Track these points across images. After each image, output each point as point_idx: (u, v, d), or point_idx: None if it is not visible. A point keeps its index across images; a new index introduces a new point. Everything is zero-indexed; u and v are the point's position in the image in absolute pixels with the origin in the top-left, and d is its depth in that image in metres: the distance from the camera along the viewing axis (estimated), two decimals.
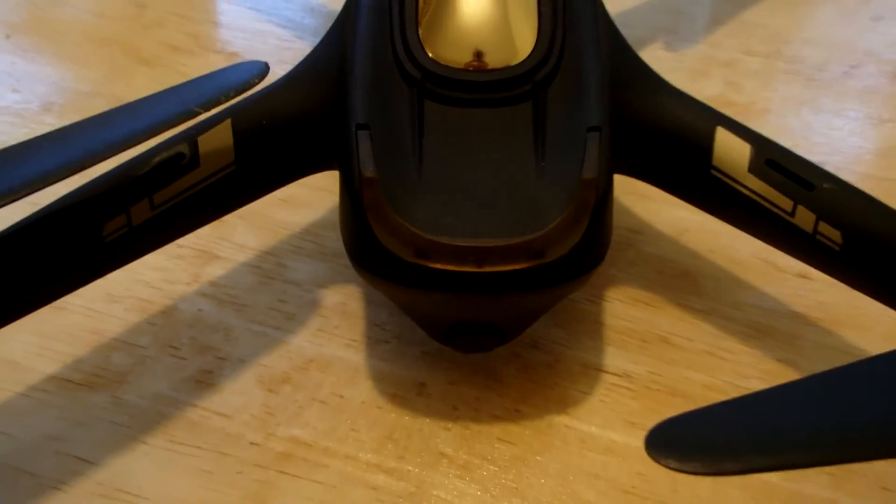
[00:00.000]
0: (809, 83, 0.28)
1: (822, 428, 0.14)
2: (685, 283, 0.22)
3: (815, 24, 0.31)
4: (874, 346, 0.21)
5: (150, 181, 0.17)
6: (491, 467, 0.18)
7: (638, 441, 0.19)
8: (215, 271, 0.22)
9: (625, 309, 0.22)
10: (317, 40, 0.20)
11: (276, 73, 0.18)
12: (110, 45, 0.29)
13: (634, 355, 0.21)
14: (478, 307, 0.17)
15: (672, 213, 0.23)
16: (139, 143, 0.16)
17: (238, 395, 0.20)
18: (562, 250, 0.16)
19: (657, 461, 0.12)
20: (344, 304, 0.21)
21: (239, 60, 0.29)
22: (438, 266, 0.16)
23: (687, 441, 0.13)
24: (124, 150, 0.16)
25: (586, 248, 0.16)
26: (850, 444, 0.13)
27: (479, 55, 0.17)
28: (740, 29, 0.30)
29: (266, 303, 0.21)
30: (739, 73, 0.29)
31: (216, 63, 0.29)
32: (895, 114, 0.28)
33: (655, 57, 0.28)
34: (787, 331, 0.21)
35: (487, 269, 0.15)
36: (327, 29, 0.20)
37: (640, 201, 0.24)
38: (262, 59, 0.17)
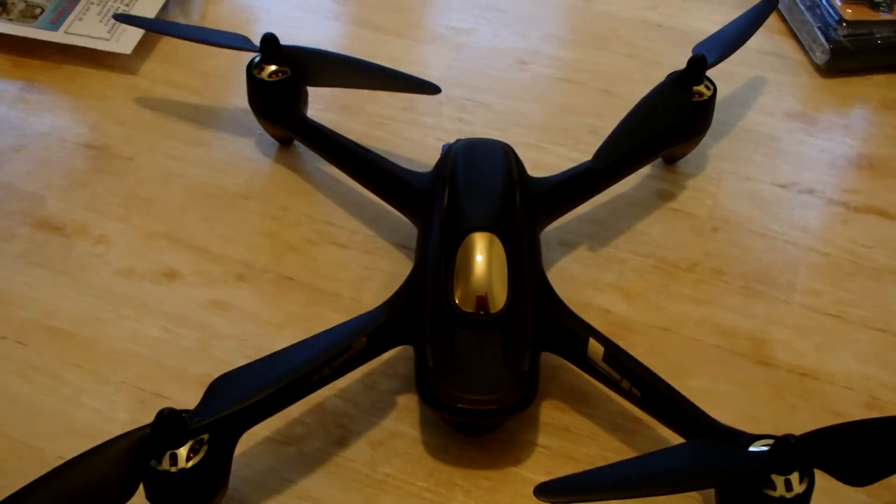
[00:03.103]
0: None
1: (633, 478, 0.33)
2: (581, 399, 0.43)
3: None
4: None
5: (335, 357, 0.37)
6: (482, 486, 0.38)
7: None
8: None
9: (548, 411, 0.42)
10: None
11: None
12: (270, 237, 0.49)
13: (551, 437, 0.41)
14: (475, 421, 0.38)
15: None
16: (319, 363, 0.36)
17: None
18: (512, 401, 0.36)
19: (540, 499, 0.32)
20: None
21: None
22: (462, 406, 0.36)
23: (553, 489, 0.32)
24: (313, 366, 0.36)
25: (524, 400, 0.37)
26: (646, 487, 0.33)
27: (481, 304, 0.38)
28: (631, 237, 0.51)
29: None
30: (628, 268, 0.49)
31: (334, 251, 0.49)
32: None
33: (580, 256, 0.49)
34: (629, 428, 0.41)
35: (482, 408, 0.36)
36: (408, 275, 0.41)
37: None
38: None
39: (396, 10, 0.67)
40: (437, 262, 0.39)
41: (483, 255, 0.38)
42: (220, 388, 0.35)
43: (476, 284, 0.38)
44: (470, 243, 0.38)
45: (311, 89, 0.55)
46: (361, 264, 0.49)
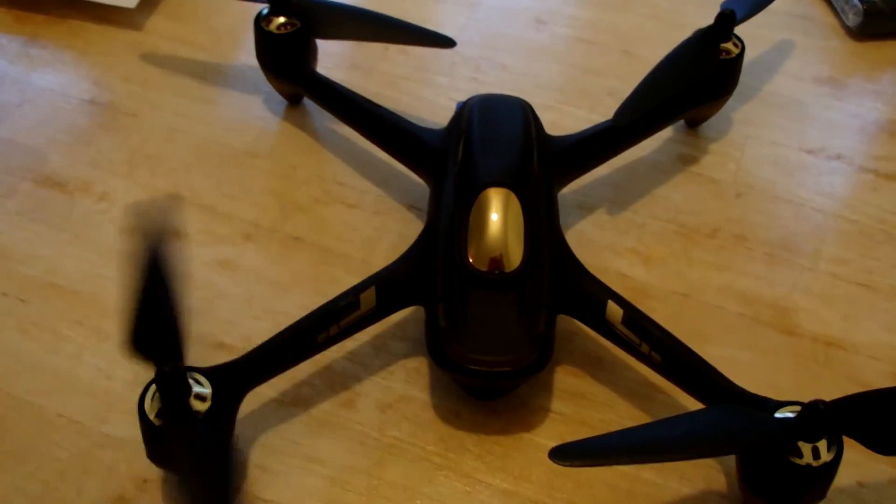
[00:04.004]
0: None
1: (653, 442, 0.32)
2: (597, 366, 0.41)
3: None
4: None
5: (339, 315, 0.36)
6: (493, 451, 0.37)
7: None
8: None
9: (562, 377, 0.40)
10: None
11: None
12: (278, 197, 0.48)
13: (565, 403, 0.39)
14: (487, 384, 0.36)
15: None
16: (323, 318, 0.35)
17: None
18: (527, 363, 0.35)
19: (555, 461, 0.31)
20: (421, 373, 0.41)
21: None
22: (474, 367, 0.35)
23: (569, 452, 0.31)
24: (317, 320, 0.35)
25: (539, 362, 0.35)
26: (668, 452, 0.32)
27: (495, 263, 0.36)
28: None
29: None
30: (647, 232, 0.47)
31: (342, 211, 0.47)
32: None
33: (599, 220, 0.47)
34: (646, 395, 0.40)
35: (495, 369, 0.35)
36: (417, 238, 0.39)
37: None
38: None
39: None
40: (450, 220, 0.38)
41: (498, 212, 0.36)
42: None
43: (491, 242, 0.36)
44: (485, 199, 0.37)
45: (321, 46, 0.53)
46: (371, 225, 0.47)
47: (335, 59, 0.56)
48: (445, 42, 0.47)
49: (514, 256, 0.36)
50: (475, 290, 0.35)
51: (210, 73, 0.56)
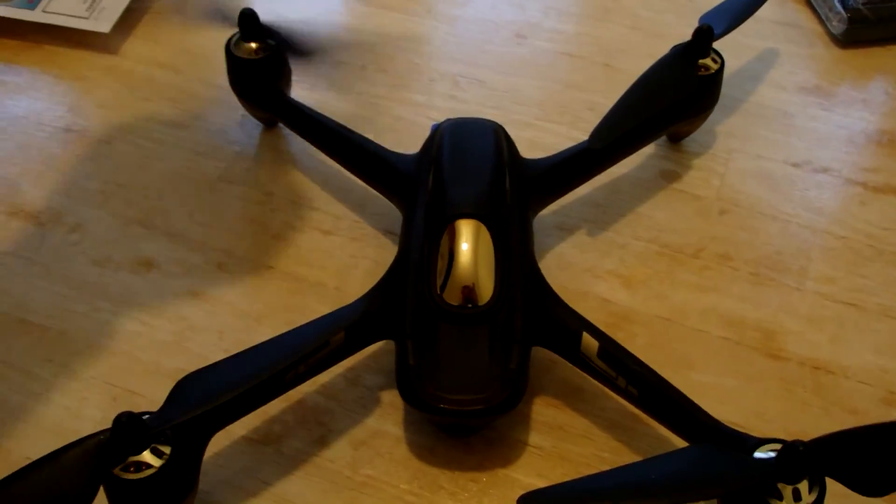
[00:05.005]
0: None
1: (628, 487, 0.31)
2: (577, 396, 0.40)
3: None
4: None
5: (310, 354, 0.35)
6: (469, 488, 0.36)
7: (542, 483, 0.36)
8: None
9: (540, 408, 0.39)
10: None
11: None
12: (252, 224, 0.47)
13: (544, 436, 0.38)
14: (459, 422, 0.35)
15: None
16: (291, 361, 0.34)
17: None
18: (498, 401, 0.34)
19: None
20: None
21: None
22: (445, 407, 0.34)
23: (540, 499, 0.30)
24: (285, 365, 0.34)
25: (511, 400, 0.34)
26: (642, 498, 0.30)
27: (465, 298, 0.35)
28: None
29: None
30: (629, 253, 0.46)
31: (317, 237, 0.46)
32: None
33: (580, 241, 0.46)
34: (627, 426, 0.39)
35: (466, 409, 0.34)
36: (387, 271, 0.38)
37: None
38: None
39: None
40: (419, 253, 0.37)
41: (469, 244, 0.35)
42: (187, 388, 0.33)
43: (461, 276, 0.35)
44: (454, 232, 0.36)
45: (298, 65, 0.52)
46: (347, 252, 0.46)
47: (312, 79, 0.55)
48: None
49: (485, 290, 0.35)
50: (445, 326, 0.35)
51: (185, 97, 0.55)
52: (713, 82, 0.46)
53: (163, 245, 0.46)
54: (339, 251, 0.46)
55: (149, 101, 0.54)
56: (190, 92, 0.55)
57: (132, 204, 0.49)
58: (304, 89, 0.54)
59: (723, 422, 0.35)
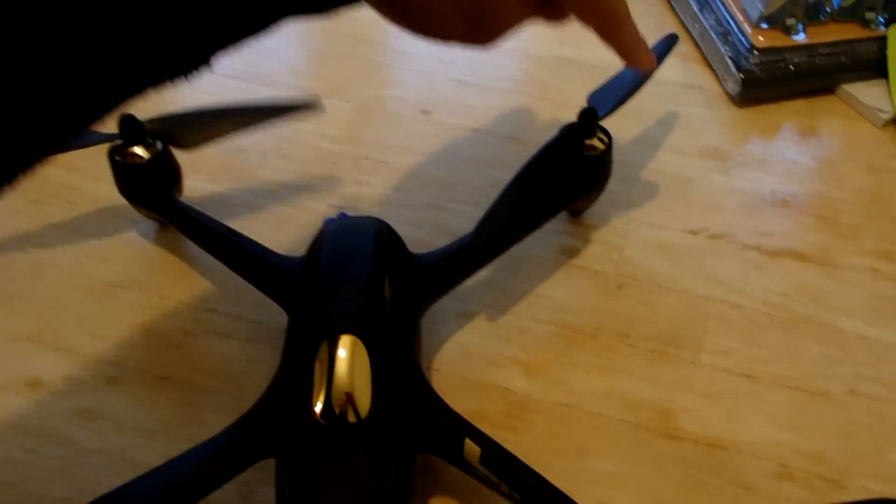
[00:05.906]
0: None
1: None
2: (472, 493, 0.39)
3: None
4: None
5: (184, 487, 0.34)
6: None
7: None
8: None
9: None
10: None
11: None
12: (146, 332, 0.45)
13: None
14: None
15: None
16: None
17: None
18: None
19: None
20: None
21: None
22: None
23: None
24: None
25: None
26: None
27: (340, 416, 0.34)
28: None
29: None
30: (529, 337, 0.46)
31: (214, 342, 0.45)
32: None
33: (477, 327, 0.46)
34: None
35: None
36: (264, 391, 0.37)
37: None
38: None
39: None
40: (293, 369, 0.36)
41: (343, 361, 0.35)
42: None
43: (335, 394, 0.34)
44: (329, 348, 0.35)
45: (196, 158, 0.52)
46: (244, 356, 0.46)
47: (210, 169, 0.55)
48: (307, 107, 0.46)
49: (362, 407, 0.34)
50: (319, 447, 0.34)
51: (80, 197, 0.54)
52: (600, 163, 0.47)
53: (51, 361, 0.45)
54: (237, 356, 0.46)
55: (42, 203, 0.53)
56: (84, 191, 0.54)
57: (21, 317, 0.47)
58: (200, 180, 0.53)
59: None
